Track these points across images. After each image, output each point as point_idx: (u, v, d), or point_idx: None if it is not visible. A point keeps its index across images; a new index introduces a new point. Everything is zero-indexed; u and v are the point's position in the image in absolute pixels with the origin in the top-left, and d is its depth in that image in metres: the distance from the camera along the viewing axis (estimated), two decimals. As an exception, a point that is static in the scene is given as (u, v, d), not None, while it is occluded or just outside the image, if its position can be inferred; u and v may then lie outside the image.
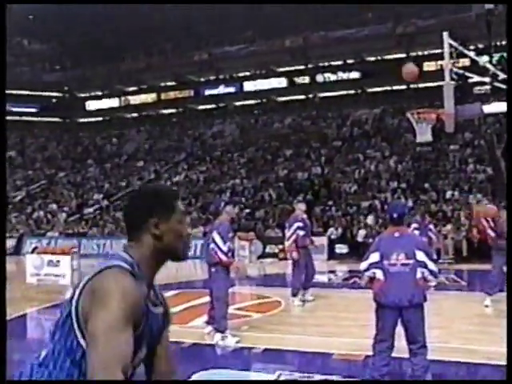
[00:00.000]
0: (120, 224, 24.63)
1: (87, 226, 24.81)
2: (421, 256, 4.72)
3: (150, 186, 1.96)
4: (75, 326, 1.66)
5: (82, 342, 1.65)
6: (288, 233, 9.92)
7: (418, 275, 4.69)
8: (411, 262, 4.71)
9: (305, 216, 10.28)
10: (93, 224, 24.83)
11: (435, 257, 5.96)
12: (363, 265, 4.92)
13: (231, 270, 7.02)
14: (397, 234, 4.89)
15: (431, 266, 4.74)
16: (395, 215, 4.96)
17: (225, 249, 6.89)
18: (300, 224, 9.80)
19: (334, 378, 5.24)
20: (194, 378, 5.26)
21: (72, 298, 1.69)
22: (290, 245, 9.82)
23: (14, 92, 37.16)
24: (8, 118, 37.19)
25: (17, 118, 38.16)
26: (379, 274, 4.78)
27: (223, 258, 6.90)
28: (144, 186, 2.06)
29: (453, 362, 5.75)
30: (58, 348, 1.70)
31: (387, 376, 4.73)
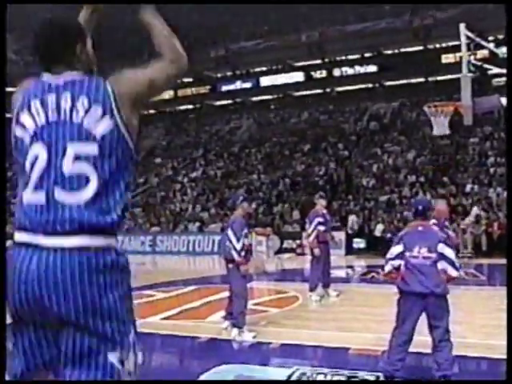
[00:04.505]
0: (138, 221, 24.82)
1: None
2: (443, 249, 4.75)
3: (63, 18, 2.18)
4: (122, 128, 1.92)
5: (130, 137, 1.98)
6: (309, 229, 9.88)
7: (439, 267, 4.72)
8: (433, 255, 4.74)
9: (325, 211, 10.24)
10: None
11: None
12: (389, 255, 4.95)
13: (242, 270, 6.95)
14: (420, 228, 4.94)
15: (454, 259, 4.76)
16: (420, 207, 5.02)
17: (238, 247, 6.86)
18: (321, 219, 9.76)
19: (351, 373, 5.22)
20: (211, 372, 5.28)
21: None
22: (312, 241, 9.80)
23: (33, 90, 37.64)
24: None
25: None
26: (401, 264, 4.85)
27: (236, 256, 6.88)
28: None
29: (472, 357, 5.69)
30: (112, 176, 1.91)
31: (401, 371, 4.70)
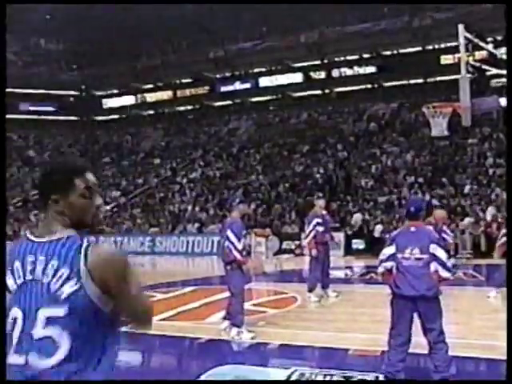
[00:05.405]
0: (137, 221, 24.82)
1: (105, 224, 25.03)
2: (435, 250, 4.72)
3: (52, 164, 2.14)
4: (95, 298, 1.87)
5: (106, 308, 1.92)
6: (307, 229, 9.90)
7: (432, 269, 4.69)
8: (425, 256, 4.71)
9: (324, 212, 10.25)
10: (110, 221, 25.02)
11: (451, 253, 5.95)
12: (381, 256, 4.93)
13: (245, 269, 7.02)
14: (413, 229, 4.90)
15: (445, 260, 4.73)
16: (412, 209, 4.98)
17: (239, 247, 6.91)
18: (319, 220, 9.78)
19: (350, 373, 5.22)
20: (210, 373, 5.28)
21: (70, 276, 1.87)
22: (309, 241, 9.80)
23: (31, 91, 37.58)
24: (26, 117, 37.76)
25: (34, 117, 38.55)
26: (393, 266, 4.82)
27: (238, 256, 6.92)
28: (52, 163, 2.11)
29: (470, 357, 5.69)
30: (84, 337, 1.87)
31: (402, 372, 4.70)
